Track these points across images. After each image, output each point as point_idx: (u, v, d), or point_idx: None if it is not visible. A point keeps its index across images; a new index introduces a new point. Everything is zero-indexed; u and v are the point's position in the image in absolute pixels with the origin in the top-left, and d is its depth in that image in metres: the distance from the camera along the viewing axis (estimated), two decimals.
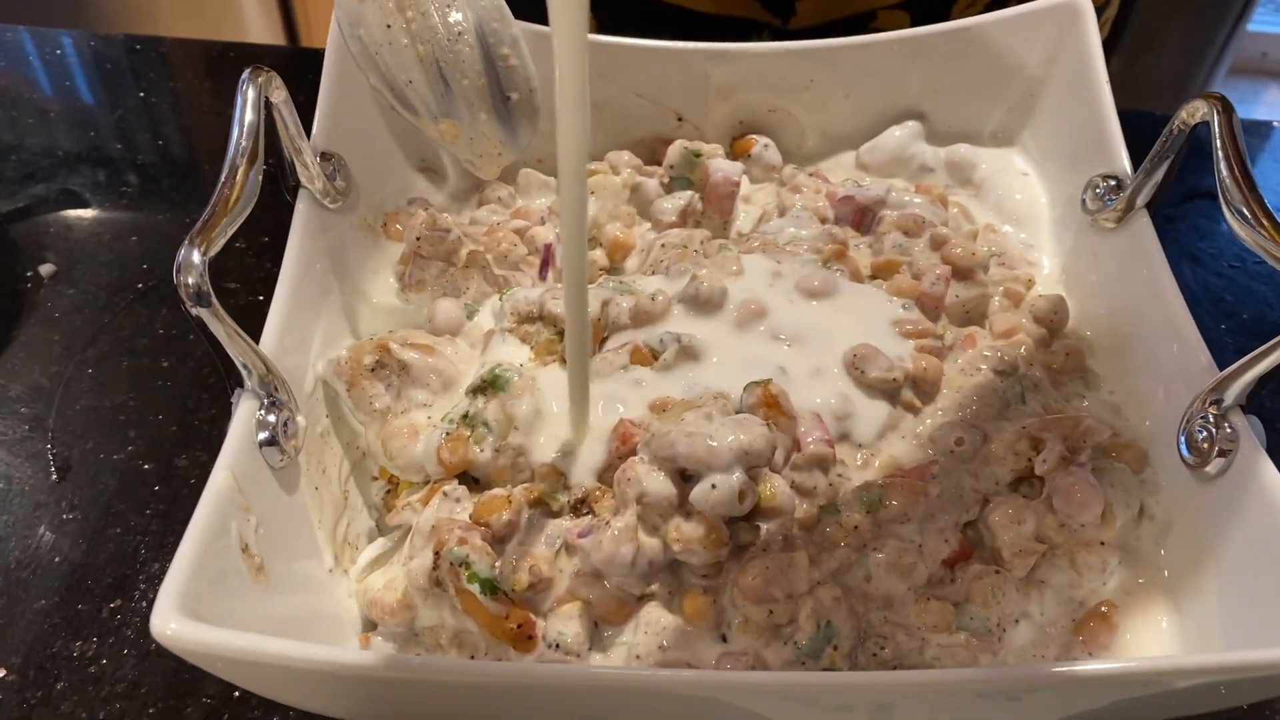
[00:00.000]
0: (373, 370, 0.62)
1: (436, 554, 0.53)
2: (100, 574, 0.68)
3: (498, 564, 0.53)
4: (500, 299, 0.66)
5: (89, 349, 0.82)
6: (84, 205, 0.94)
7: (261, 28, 2.24)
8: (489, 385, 0.59)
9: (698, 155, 0.78)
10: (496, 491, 0.55)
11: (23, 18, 1.20)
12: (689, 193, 0.76)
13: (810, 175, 0.80)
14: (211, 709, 0.62)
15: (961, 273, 0.68)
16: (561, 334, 0.62)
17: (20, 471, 0.74)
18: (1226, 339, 0.86)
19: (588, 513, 0.55)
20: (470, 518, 0.55)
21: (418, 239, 0.69)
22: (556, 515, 0.56)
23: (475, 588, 0.52)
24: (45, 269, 0.88)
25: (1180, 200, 0.91)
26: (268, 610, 0.52)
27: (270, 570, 0.53)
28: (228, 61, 1.13)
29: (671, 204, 0.75)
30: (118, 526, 0.71)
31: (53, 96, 1.05)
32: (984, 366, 0.64)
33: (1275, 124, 1.12)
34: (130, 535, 0.71)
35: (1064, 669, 0.45)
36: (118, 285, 0.87)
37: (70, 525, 0.71)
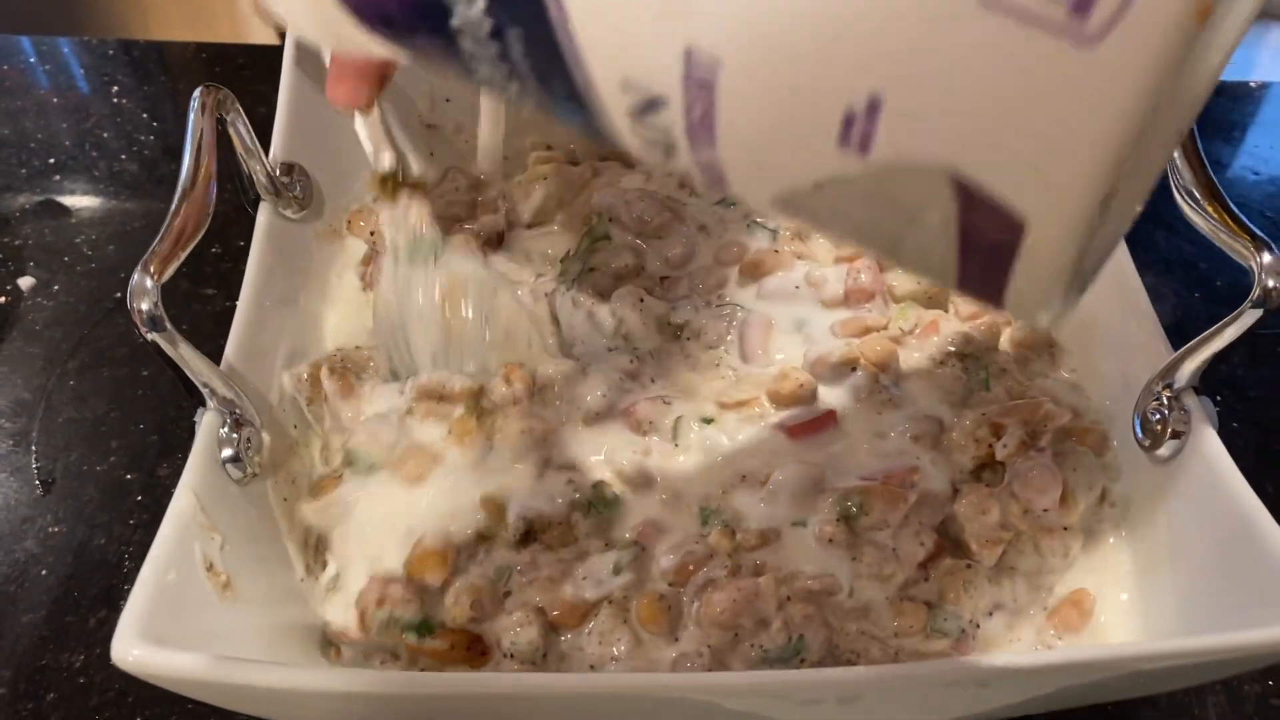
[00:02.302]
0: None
1: (361, 619, 0.54)
2: (86, 586, 0.70)
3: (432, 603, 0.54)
4: (404, 381, 0.64)
5: (70, 361, 0.83)
6: (61, 215, 0.94)
7: (260, 27, 2.22)
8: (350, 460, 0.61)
9: None
10: (429, 545, 0.55)
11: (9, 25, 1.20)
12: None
13: None
14: (197, 715, 0.63)
15: None
16: (476, 410, 0.61)
17: (5, 486, 0.76)
18: (1200, 308, 0.86)
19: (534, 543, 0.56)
20: (405, 573, 0.55)
21: (372, 234, 0.70)
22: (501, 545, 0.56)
23: (411, 636, 0.53)
24: (24, 282, 0.88)
25: None
26: (237, 625, 0.53)
27: (238, 585, 0.54)
28: (213, 65, 1.13)
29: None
30: (102, 538, 0.72)
31: (25, 103, 1.06)
32: (952, 349, 0.64)
33: (1256, 84, 1.11)
34: (115, 546, 0.72)
35: (1017, 663, 0.46)
36: (96, 295, 0.88)
37: (56, 538, 0.72)
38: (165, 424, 0.79)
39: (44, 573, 0.70)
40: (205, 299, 0.87)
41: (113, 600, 0.69)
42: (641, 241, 0.71)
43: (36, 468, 0.76)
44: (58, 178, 0.98)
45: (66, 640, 0.67)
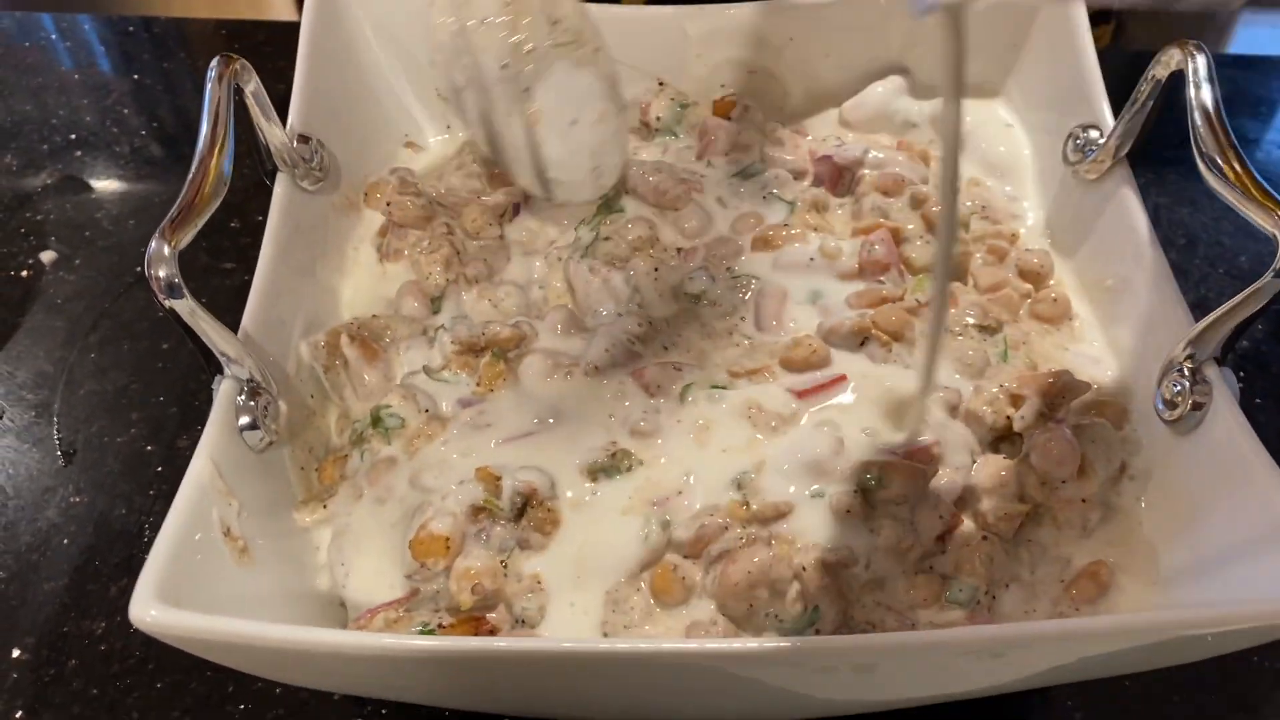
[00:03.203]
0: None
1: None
2: (107, 555, 0.70)
3: (431, 610, 0.55)
4: (442, 329, 0.66)
5: (91, 334, 0.84)
6: (82, 191, 0.95)
7: (280, 3, 2.23)
8: (376, 422, 0.61)
9: (685, 107, 0.78)
10: (434, 529, 0.55)
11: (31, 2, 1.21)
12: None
13: (792, 132, 0.79)
14: (216, 682, 0.64)
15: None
16: (505, 356, 0.63)
17: (28, 457, 0.76)
18: (1224, 284, 0.85)
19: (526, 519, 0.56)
20: (410, 552, 0.55)
21: (388, 204, 0.70)
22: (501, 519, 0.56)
23: (416, 637, 0.53)
24: (47, 256, 0.89)
25: (1179, 144, 0.89)
26: (253, 589, 0.53)
27: (255, 551, 0.54)
28: (233, 41, 1.13)
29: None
30: (123, 508, 0.73)
31: (48, 80, 1.06)
32: (970, 321, 0.64)
33: None
34: (135, 516, 0.72)
35: (1034, 629, 0.46)
36: (117, 270, 0.89)
37: (77, 508, 0.73)
38: (185, 396, 0.79)
39: (65, 542, 0.71)
40: (224, 273, 0.87)
41: (133, 569, 0.68)
42: (658, 213, 0.70)
43: (58, 439, 0.77)
44: (79, 154, 0.98)
45: (88, 608, 0.68)
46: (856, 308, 0.64)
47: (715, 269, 0.67)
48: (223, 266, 0.88)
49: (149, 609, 0.44)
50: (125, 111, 1.03)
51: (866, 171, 0.72)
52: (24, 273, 0.88)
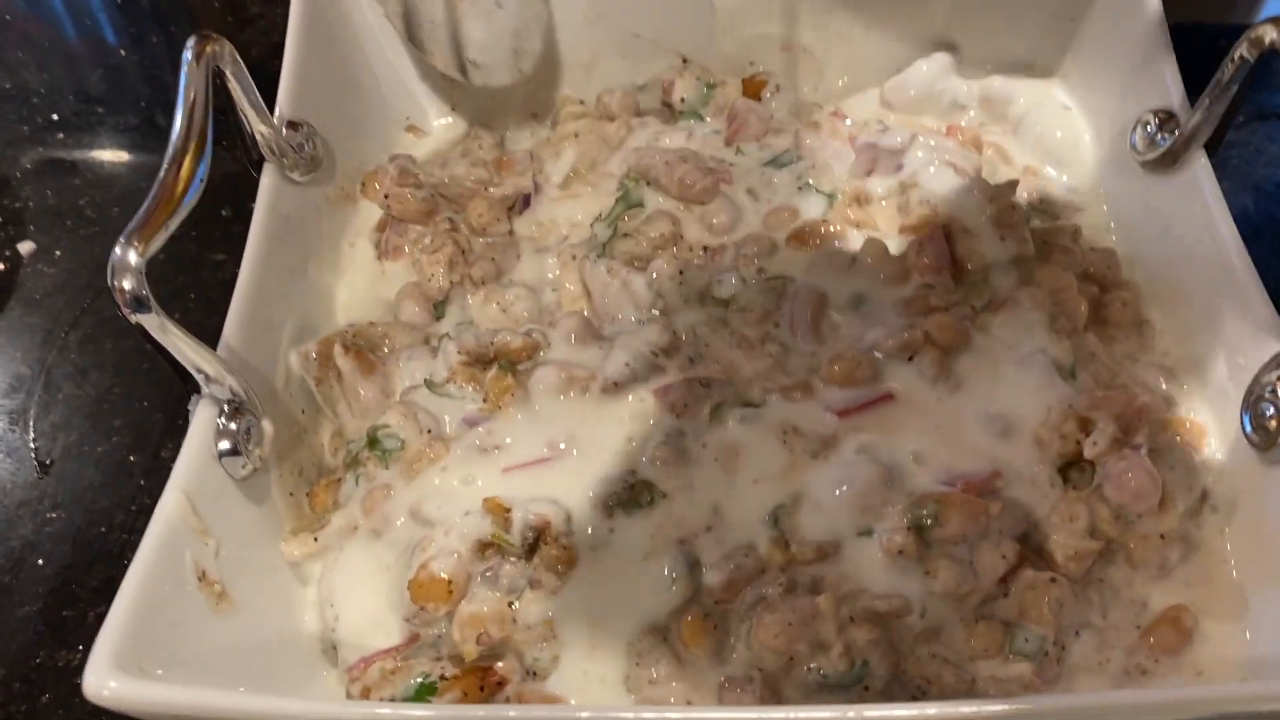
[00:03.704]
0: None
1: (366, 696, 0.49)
2: (85, 578, 0.65)
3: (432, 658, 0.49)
4: (446, 338, 0.60)
5: (71, 332, 0.78)
6: (64, 176, 0.89)
7: None
8: (372, 444, 0.56)
9: (711, 87, 0.72)
10: (434, 569, 0.50)
11: None
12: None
13: (829, 115, 0.73)
14: None
15: (1002, 228, 0.61)
16: (513, 370, 0.57)
17: (1, 467, 0.71)
18: None
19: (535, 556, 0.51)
20: (409, 594, 0.50)
21: (386, 196, 0.64)
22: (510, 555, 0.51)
23: (413, 705, 0.48)
24: (25, 247, 0.83)
25: (1243, 123, 0.83)
26: (233, 638, 0.48)
27: (235, 593, 0.49)
28: (225, 14, 1.07)
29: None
30: (103, 525, 0.68)
31: (27, 55, 1.00)
32: (1032, 330, 0.57)
33: None
34: (115, 534, 0.67)
35: (1105, 702, 0.40)
36: (101, 262, 0.81)
37: (54, 525, 0.68)
38: (171, 401, 0.74)
39: (40, 562, 0.66)
40: (214, 265, 0.81)
41: (113, 593, 0.64)
42: (683, 207, 0.64)
43: (34, 448, 0.72)
44: (61, 136, 0.92)
45: (64, 637, 0.63)
46: (905, 315, 0.57)
47: (746, 270, 0.61)
48: (212, 258, 0.82)
49: (107, 680, 0.39)
50: (109, 89, 0.97)
51: (913, 159, 0.65)
52: (1, 265, 0.82)
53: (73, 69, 1.00)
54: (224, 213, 0.83)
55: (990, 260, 0.60)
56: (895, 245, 0.61)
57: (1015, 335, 0.57)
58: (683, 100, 0.72)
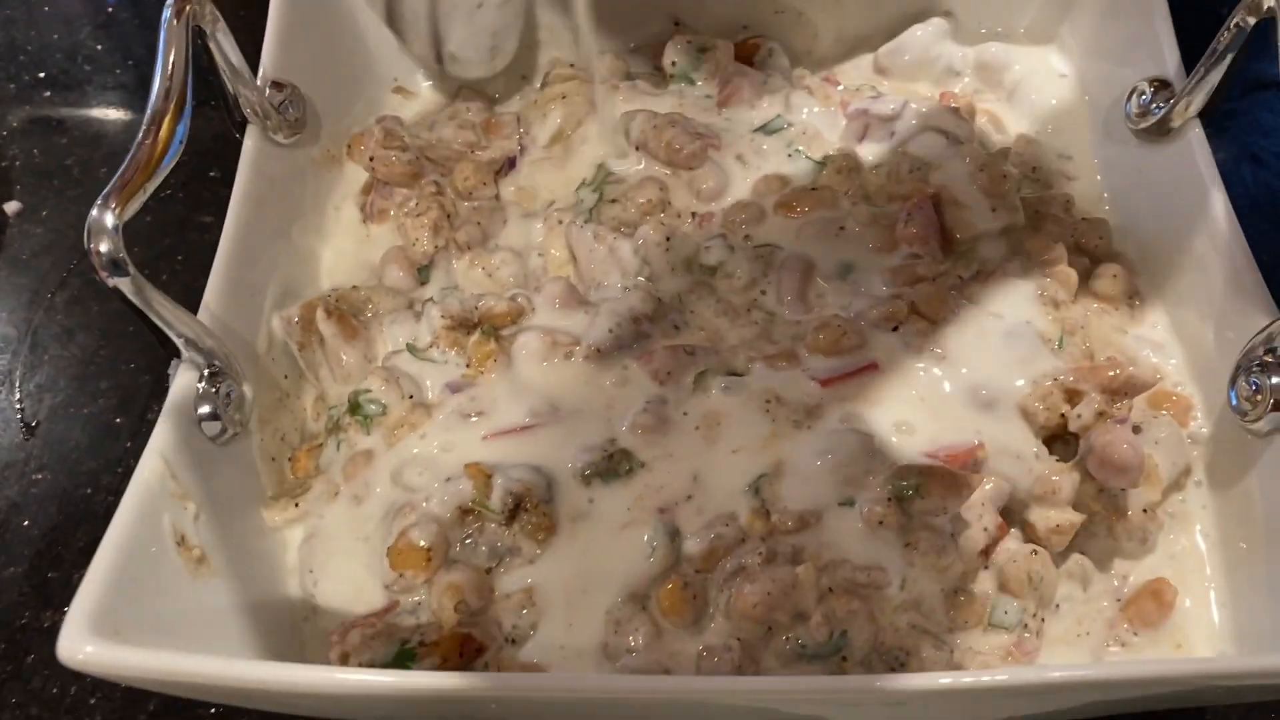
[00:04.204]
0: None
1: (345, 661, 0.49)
2: (71, 538, 0.65)
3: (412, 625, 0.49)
4: (430, 302, 0.60)
5: (57, 293, 0.78)
6: (51, 135, 0.88)
7: None
8: (354, 409, 0.56)
9: (703, 50, 0.71)
10: (413, 538, 0.49)
11: None
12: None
13: (822, 80, 0.72)
14: None
15: (993, 197, 0.60)
16: (496, 335, 0.57)
17: None
18: None
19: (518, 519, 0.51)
20: (388, 561, 0.50)
21: (371, 159, 0.64)
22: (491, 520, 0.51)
23: (396, 667, 0.48)
24: (10, 206, 0.83)
25: (1242, 93, 0.81)
26: (213, 602, 0.48)
27: (215, 558, 0.49)
28: None
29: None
30: (89, 486, 0.67)
31: (14, 11, 0.98)
32: (1021, 299, 0.57)
33: None
34: (101, 496, 0.67)
35: (1079, 676, 0.40)
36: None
37: (39, 486, 0.68)
38: (158, 363, 0.72)
39: (26, 524, 0.66)
40: (201, 227, 0.80)
41: None
42: (671, 172, 0.63)
43: (20, 409, 0.71)
44: (48, 94, 0.91)
45: (49, 597, 0.63)
46: (892, 285, 0.57)
47: (734, 237, 0.60)
48: (200, 220, 0.81)
49: (83, 645, 0.39)
50: (99, 47, 0.95)
51: (905, 126, 0.64)
52: None
53: (61, 26, 0.98)
54: (212, 174, 0.82)
55: (980, 230, 0.59)
56: (884, 214, 0.60)
57: (1003, 306, 0.56)
58: (673, 64, 0.71)
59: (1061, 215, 0.62)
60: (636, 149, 0.64)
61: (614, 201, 0.62)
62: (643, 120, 0.65)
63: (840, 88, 0.70)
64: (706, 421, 0.53)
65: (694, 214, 0.62)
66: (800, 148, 0.65)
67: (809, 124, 0.67)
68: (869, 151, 0.65)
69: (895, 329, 0.55)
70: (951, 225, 0.59)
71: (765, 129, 0.66)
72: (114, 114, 0.91)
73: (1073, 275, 0.57)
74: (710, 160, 0.64)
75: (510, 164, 0.67)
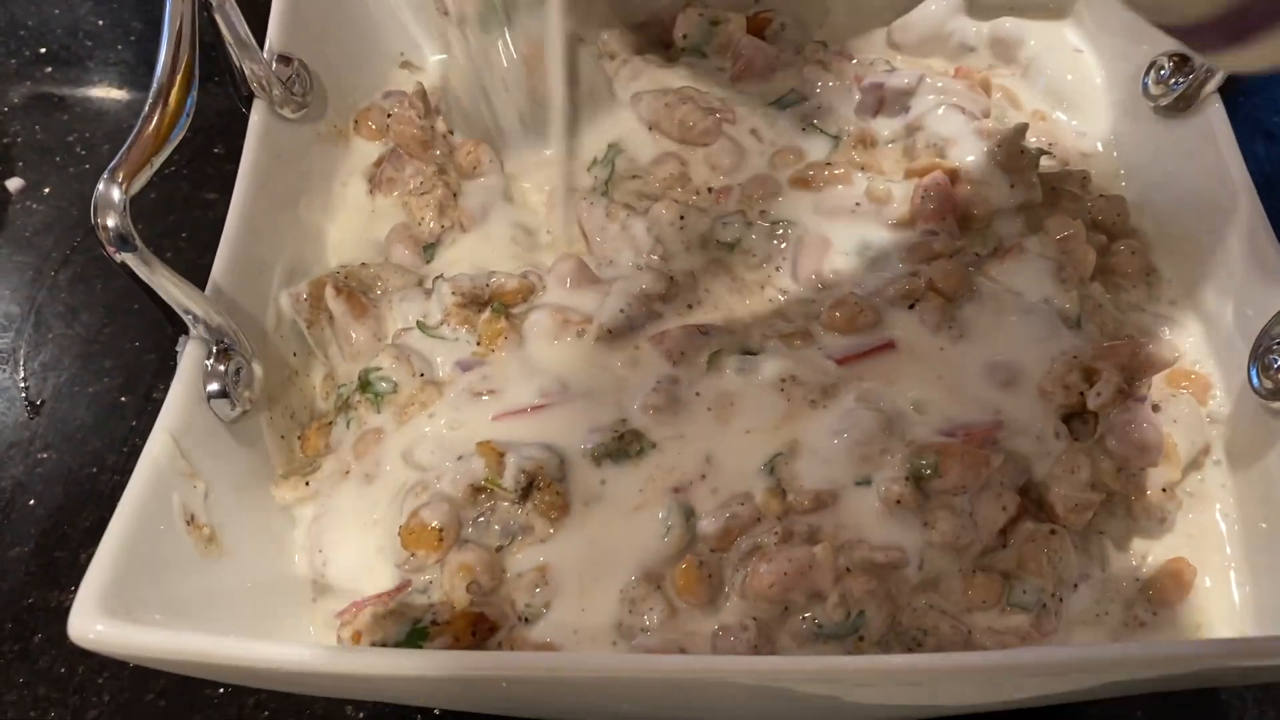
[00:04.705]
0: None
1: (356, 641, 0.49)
2: (77, 518, 0.65)
3: (424, 604, 0.48)
4: (440, 279, 0.59)
5: (61, 271, 0.77)
6: (53, 111, 0.87)
7: None
8: (364, 387, 0.55)
9: (715, 24, 0.69)
10: (425, 518, 0.49)
11: None
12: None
13: (835, 54, 0.71)
14: None
15: (1011, 173, 0.59)
16: (507, 313, 0.56)
17: None
18: None
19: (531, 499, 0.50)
20: (400, 541, 0.49)
21: (389, 115, 0.64)
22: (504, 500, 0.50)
23: (407, 648, 0.47)
24: (13, 183, 0.82)
25: None
26: (223, 582, 0.47)
27: (225, 537, 0.48)
28: None
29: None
30: (94, 466, 0.67)
31: None
32: (1037, 278, 0.56)
33: None
34: (107, 475, 0.67)
35: (1101, 655, 0.39)
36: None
37: (45, 465, 0.67)
38: (163, 341, 0.71)
39: (31, 503, 0.65)
40: (207, 204, 0.80)
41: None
42: (684, 148, 0.63)
43: (24, 388, 0.71)
44: (50, 70, 0.90)
45: (56, 577, 0.62)
46: (909, 262, 0.56)
47: (751, 212, 0.59)
48: (205, 196, 0.81)
49: (93, 624, 0.39)
50: (100, 23, 0.94)
51: (921, 101, 0.63)
52: None
53: (62, 2, 0.97)
54: (217, 150, 0.82)
55: (996, 206, 0.59)
56: (900, 190, 0.59)
57: (1020, 284, 0.56)
58: (684, 37, 0.70)
59: (1078, 192, 0.61)
60: (650, 129, 0.63)
61: (635, 177, 0.61)
62: (652, 99, 0.64)
63: (854, 62, 0.69)
64: (719, 402, 0.52)
65: (710, 188, 0.62)
66: (815, 121, 0.64)
67: (823, 99, 0.66)
68: (884, 126, 0.64)
69: (911, 306, 0.54)
70: (968, 202, 0.59)
71: (779, 103, 0.65)
72: (116, 90, 0.90)
73: (1091, 253, 0.56)
74: (724, 135, 0.63)
75: None
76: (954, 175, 0.59)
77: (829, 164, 0.61)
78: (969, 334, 0.54)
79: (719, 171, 0.62)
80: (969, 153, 0.60)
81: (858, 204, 0.59)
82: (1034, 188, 0.59)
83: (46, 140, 0.85)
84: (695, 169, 0.62)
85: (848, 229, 0.59)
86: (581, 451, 0.50)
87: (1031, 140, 0.62)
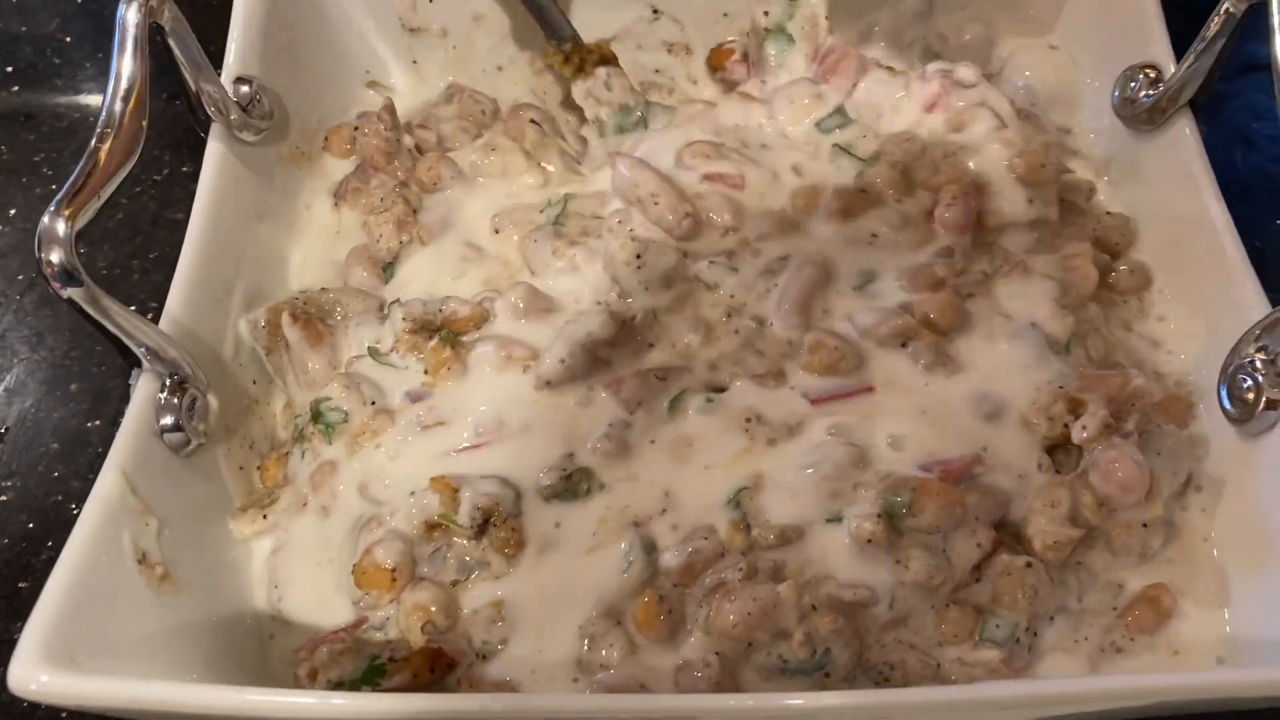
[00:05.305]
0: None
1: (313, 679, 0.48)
2: (41, 548, 0.64)
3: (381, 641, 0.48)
4: (395, 304, 0.58)
5: (26, 294, 0.76)
6: (18, 130, 0.86)
7: None
8: (315, 417, 0.54)
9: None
10: (378, 557, 0.48)
11: None
12: None
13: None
14: None
15: (1030, 187, 0.58)
16: (455, 341, 0.55)
17: None
18: None
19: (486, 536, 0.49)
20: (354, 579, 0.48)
21: (356, 129, 0.64)
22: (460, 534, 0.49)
23: (367, 688, 0.46)
24: None
25: (1234, 74, 0.80)
26: (176, 620, 0.47)
27: (179, 574, 0.48)
28: None
29: None
30: (59, 494, 0.66)
31: None
32: (1035, 298, 0.55)
33: None
34: (72, 503, 0.65)
35: (1069, 690, 0.39)
36: None
37: (9, 493, 0.66)
38: (130, 367, 0.72)
39: None
40: (174, 224, 0.78)
41: None
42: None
43: None
44: (16, 88, 0.89)
45: (20, 608, 0.60)
46: (911, 289, 0.55)
47: (739, 256, 0.58)
48: (172, 216, 0.79)
49: (36, 674, 0.38)
50: (68, 40, 0.93)
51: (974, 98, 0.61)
52: None
53: (29, 18, 0.96)
54: (185, 169, 0.80)
55: (1009, 219, 0.58)
56: (918, 207, 0.58)
57: (1017, 305, 0.55)
58: (767, 14, 0.67)
59: (1084, 206, 0.60)
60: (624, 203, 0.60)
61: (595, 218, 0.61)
62: (632, 170, 0.60)
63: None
64: (677, 444, 0.51)
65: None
66: (844, 143, 0.62)
67: (864, 113, 0.63)
68: (930, 124, 0.62)
69: (904, 345, 0.53)
70: (982, 212, 0.57)
71: (821, 126, 0.63)
72: (84, 108, 0.89)
73: (1093, 274, 0.56)
74: (706, 222, 0.59)
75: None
76: (979, 188, 0.58)
77: (862, 190, 0.59)
78: (960, 364, 0.53)
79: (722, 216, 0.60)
80: (989, 161, 0.58)
81: (875, 235, 0.58)
82: (1052, 205, 0.58)
83: (13, 160, 0.84)
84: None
85: (857, 257, 0.57)
86: (535, 489, 0.50)
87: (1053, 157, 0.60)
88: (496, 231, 0.61)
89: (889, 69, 0.65)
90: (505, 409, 0.52)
